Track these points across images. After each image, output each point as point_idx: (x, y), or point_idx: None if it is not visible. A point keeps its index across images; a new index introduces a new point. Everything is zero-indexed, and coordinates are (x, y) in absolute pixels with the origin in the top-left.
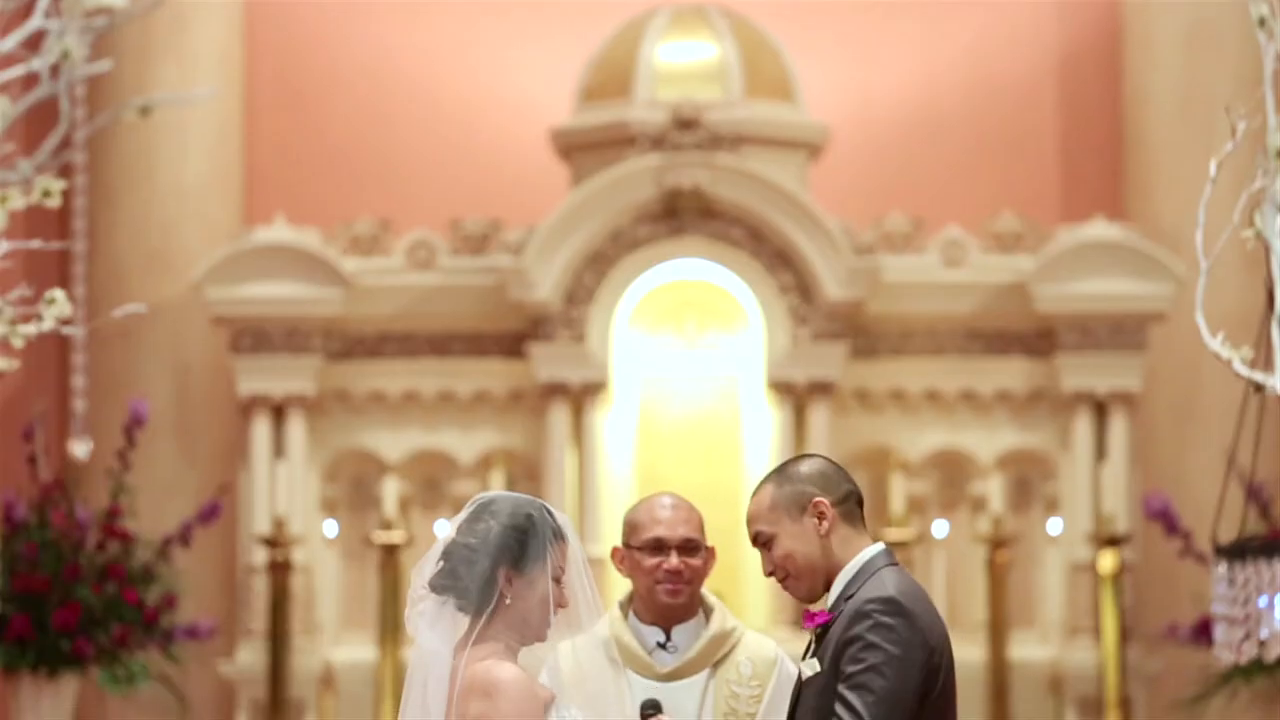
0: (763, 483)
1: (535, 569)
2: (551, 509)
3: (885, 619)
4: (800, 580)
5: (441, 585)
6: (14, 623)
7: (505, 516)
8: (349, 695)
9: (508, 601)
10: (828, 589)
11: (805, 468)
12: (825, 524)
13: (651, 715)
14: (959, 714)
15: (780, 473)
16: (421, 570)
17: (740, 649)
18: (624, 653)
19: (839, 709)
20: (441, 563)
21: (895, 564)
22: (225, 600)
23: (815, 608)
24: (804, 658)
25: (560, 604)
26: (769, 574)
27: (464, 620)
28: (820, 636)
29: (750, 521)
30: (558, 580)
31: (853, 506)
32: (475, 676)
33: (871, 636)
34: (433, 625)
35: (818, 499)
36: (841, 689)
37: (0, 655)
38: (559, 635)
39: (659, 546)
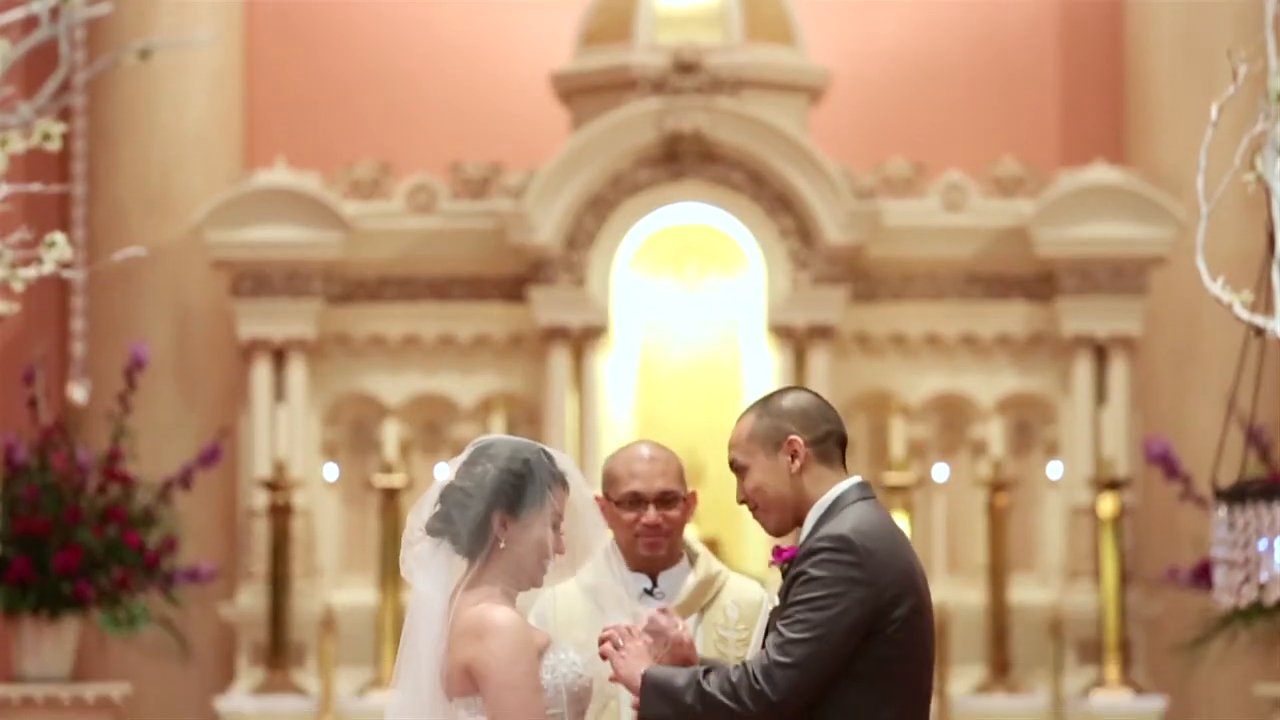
0: (746, 411)
1: (531, 514)
2: (552, 453)
3: (830, 555)
4: (769, 513)
5: (436, 528)
6: (15, 565)
7: (503, 461)
8: (349, 638)
9: (502, 546)
10: (799, 524)
11: (788, 402)
12: (797, 463)
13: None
14: (952, 656)
15: (764, 404)
16: (418, 513)
17: (726, 593)
18: (610, 599)
19: (769, 638)
20: (437, 506)
21: (869, 498)
22: (226, 543)
23: (785, 543)
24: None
25: (557, 550)
26: (741, 502)
27: (460, 564)
28: (786, 572)
29: (729, 448)
30: (555, 526)
31: (831, 446)
32: (469, 620)
33: (814, 571)
34: (427, 568)
35: (792, 437)
36: (777, 621)
37: (1, 597)
38: (561, 577)
39: (636, 500)
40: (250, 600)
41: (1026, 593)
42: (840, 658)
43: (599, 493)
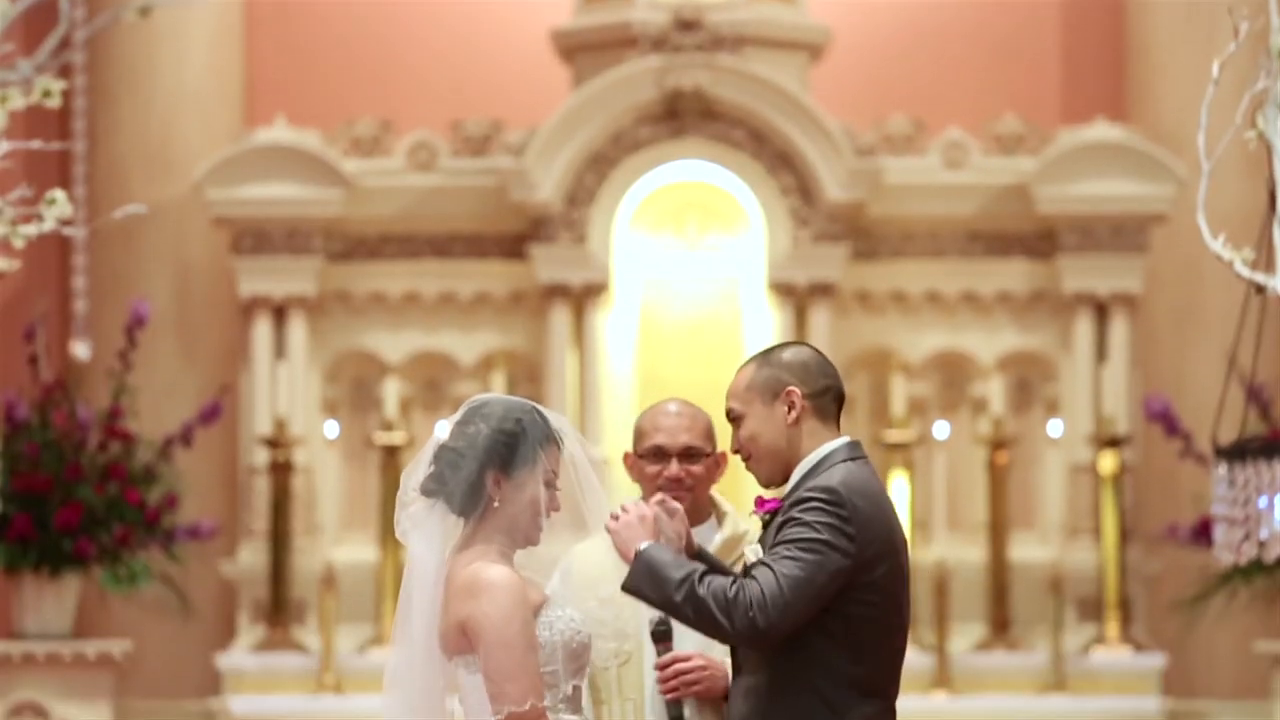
0: (747, 362)
1: (524, 473)
2: (545, 412)
3: (820, 505)
4: (760, 464)
5: (431, 489)
6: (16, 522)
7: (495, 420)
8: (350, 595)
9: (496, 505)
10: (787, 479)
11: (789, 355)
12: (793, 414)
13: (660, 635)
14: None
15: (765, 355)
16: (412, 474)
17: (752, 551)
18: None
19: (754, 571)
20: (431, 466)
21: (860, 458)
22: (226, 500)
23: (769, 494)
24: (750, 545)
25: (552, 508)
26: (734, 451)
27: (455, 523)
28: (767, 524)
29: (727, 397)
30: (549, 485)
31: (828, 402)
32: (465, 578)
33: (804, 517)
34: (421, 529)
35: (791, 388)
36: (768, 557)
37: (2, 555)
38: (565, 539)
39: (659, 454)
40: (251, 557)
41: (1026, 550)
42: (819, 604)
43: (597, 451)
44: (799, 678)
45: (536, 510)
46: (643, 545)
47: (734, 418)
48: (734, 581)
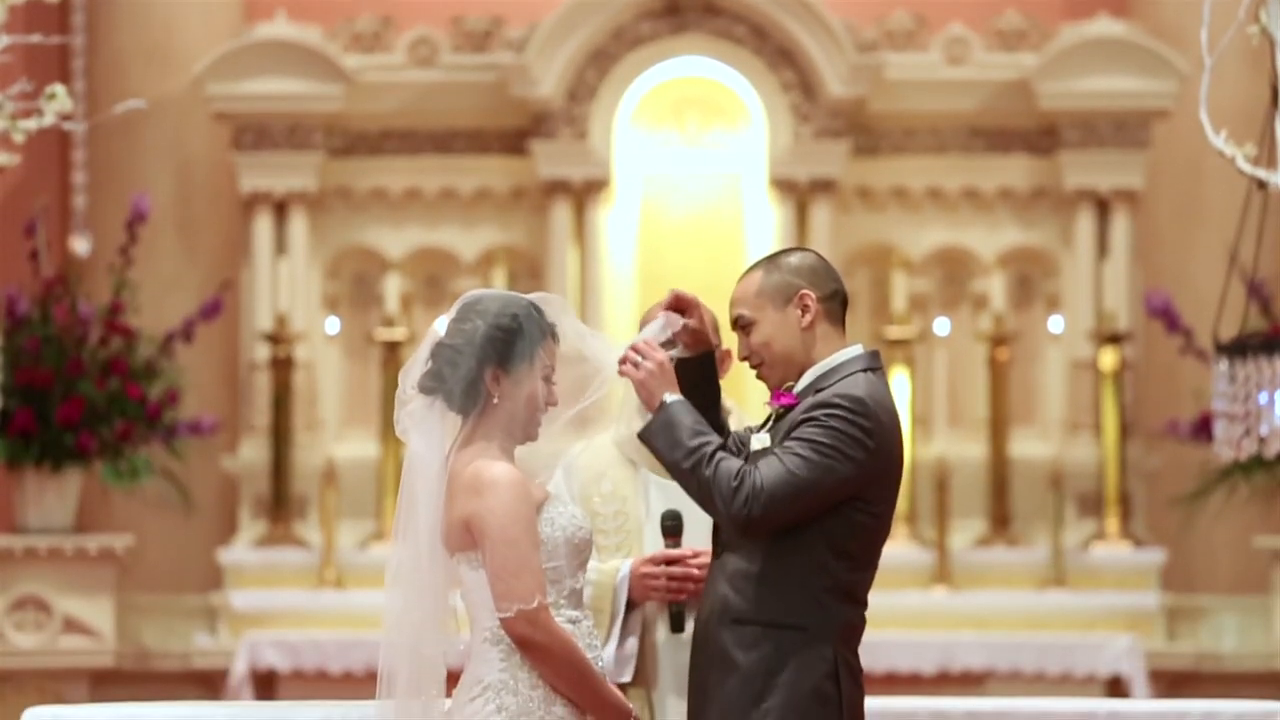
0: (752, 268)
1: (522, 369)
2: (542, 306)
3: (845, 413)
4: (774, 369)
5: (429, 386)
6: (17, 417)
7: (491, 316)
8: (351, 491)
9: (495, 401)
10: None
11: (796, 259)
12: (808, 317)
13: (671, 529)
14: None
15: (771, 261)
16: (409, 372)
17: (758, 440)
18: (641, 452)
19: (761, 460)
20: (429, 364)
21: (877, 369)
22: (228, 396)
23: (785, 388)
24: (757, 431)
25: (550, 403)
26: (744, 359)
27: (454, 420)
28: (779, 417)
29: (734, 304)
30: (547, 379)
31: (836, 306)
32: (467, 476)
33: (826, 420)
34: (420, 426)
35: (804, 291)
36: (774, 449)
37: (4, 449)
38: (567, 435)
39: (667, 347)
40: (252, 453)
41: (1027, 446)
42: (817, 508)
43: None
44: (791, 574)
45: (535, 406)
46: (669, 398)
47: (744, 324)
48: (741, 467)
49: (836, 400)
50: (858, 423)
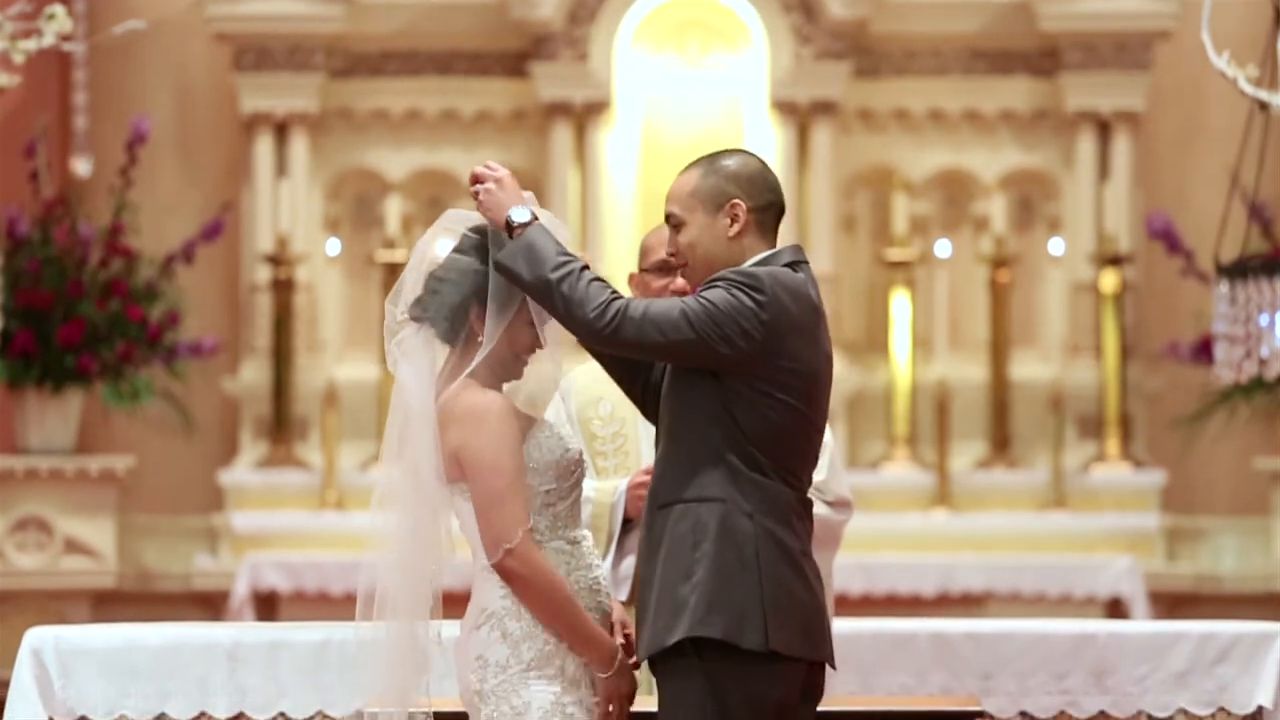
0: (690, 166)
1: (509, 313)
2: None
3: (737, 283)
4: (695, 273)
5: (417, 314)
6: (18, 338)
7: (485, 255)
8: (352, 412)
9: (480, 340)
10: None
11: (735, 164)
12: (736, 227)
13: None
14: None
15: (710, 161)
16: (398, 295)
17: None
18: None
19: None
20: (419, 293)
21: (799, 263)
22: (228, 318)
23: None
24: None
25: (536, 345)
26: (670, 255)
27: (443, 350)
28: None
29: (668, 200)
30: (534, 324)
31: (769, 218)
32: (453, 406)
33: (718, 285)
34: (409, 355)
35: (736, 200)
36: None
37: (4, 370)
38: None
39: (665, 268)
40: (253, 374)
41: (1027, 368)
42: (690, 357)
43: (599, 270)
44: (706, 451)
45: (519, 350)
46: (520, 215)
47: (674, 223)
48: (615, 293)
49: (737, 274)
50: (753, 295)
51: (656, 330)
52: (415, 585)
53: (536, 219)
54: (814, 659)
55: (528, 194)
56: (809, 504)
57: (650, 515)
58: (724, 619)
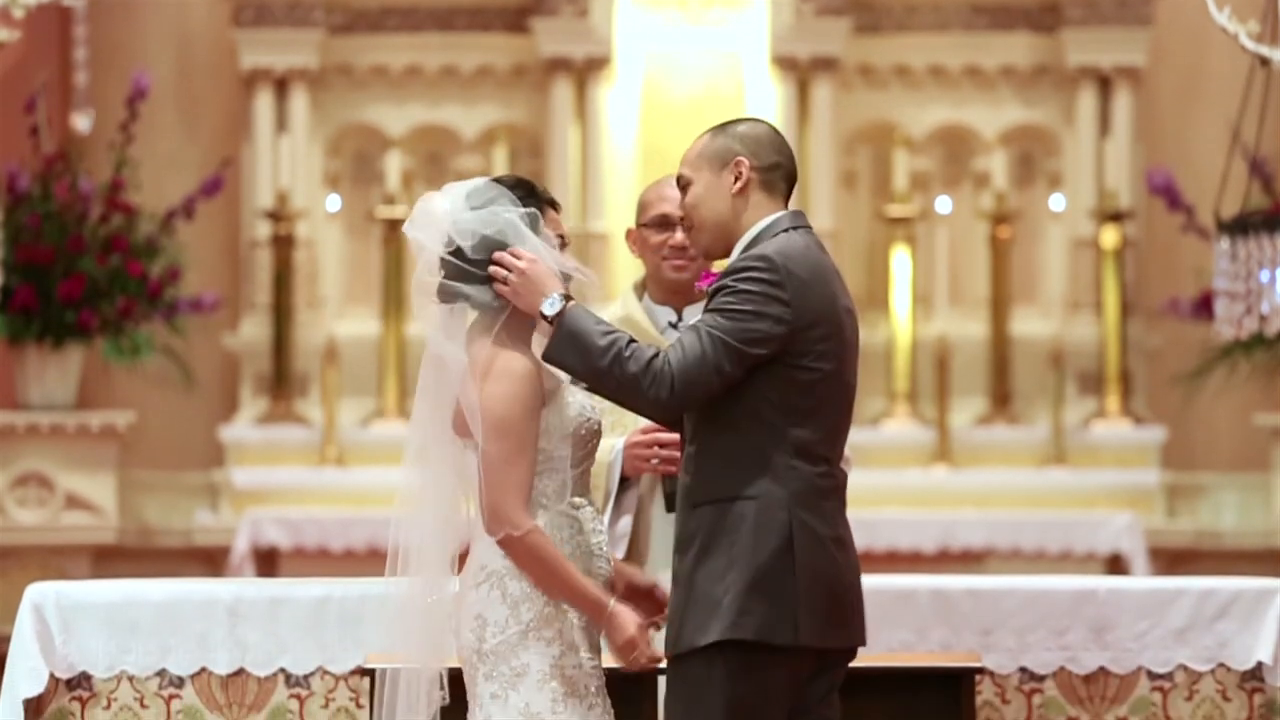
0: (704, 133)
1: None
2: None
3: (752, 272)
4: (701, 232)
5: (448, 297)
6: (18, 293)
7: (479, 237)
8: (352, 368)
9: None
10: (728, 254)
11: (745, 128)
12: (739, 183)
13: None
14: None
15: (721, 126)
16: (419, 284)
17: None
18: (636, 331)
19: (681, 338)
20: (440, 275)
21: (802, 228)
22: (229, 273)
23: (715, 267)
24: None
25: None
26: (680, 220)
27: (471, 314)
28: (712, 296)
29: (680, 165)
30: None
31: (777, 179)
32: (481, 361)
33: (735, 284)
34: (444, 329)
35: (740, 157)
36: (692, 323)
37: (5, 326)
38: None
39: (664, 223)
40: (253, 330)
41: (1028, 325)
42: (741, 370)
43: (599, 224)
44: (736, 445)
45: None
46: (552, 306)
47: (682, 185)
48: (650, 355)
49: (743, 263)
50: (765, 277)
51: (697, 376)
52: (443, 542)
53: (569, 301)
54: (846, 646)
55: (556, 263)
56: (843, 479)
57: (684, 513)
58: (755, 620)
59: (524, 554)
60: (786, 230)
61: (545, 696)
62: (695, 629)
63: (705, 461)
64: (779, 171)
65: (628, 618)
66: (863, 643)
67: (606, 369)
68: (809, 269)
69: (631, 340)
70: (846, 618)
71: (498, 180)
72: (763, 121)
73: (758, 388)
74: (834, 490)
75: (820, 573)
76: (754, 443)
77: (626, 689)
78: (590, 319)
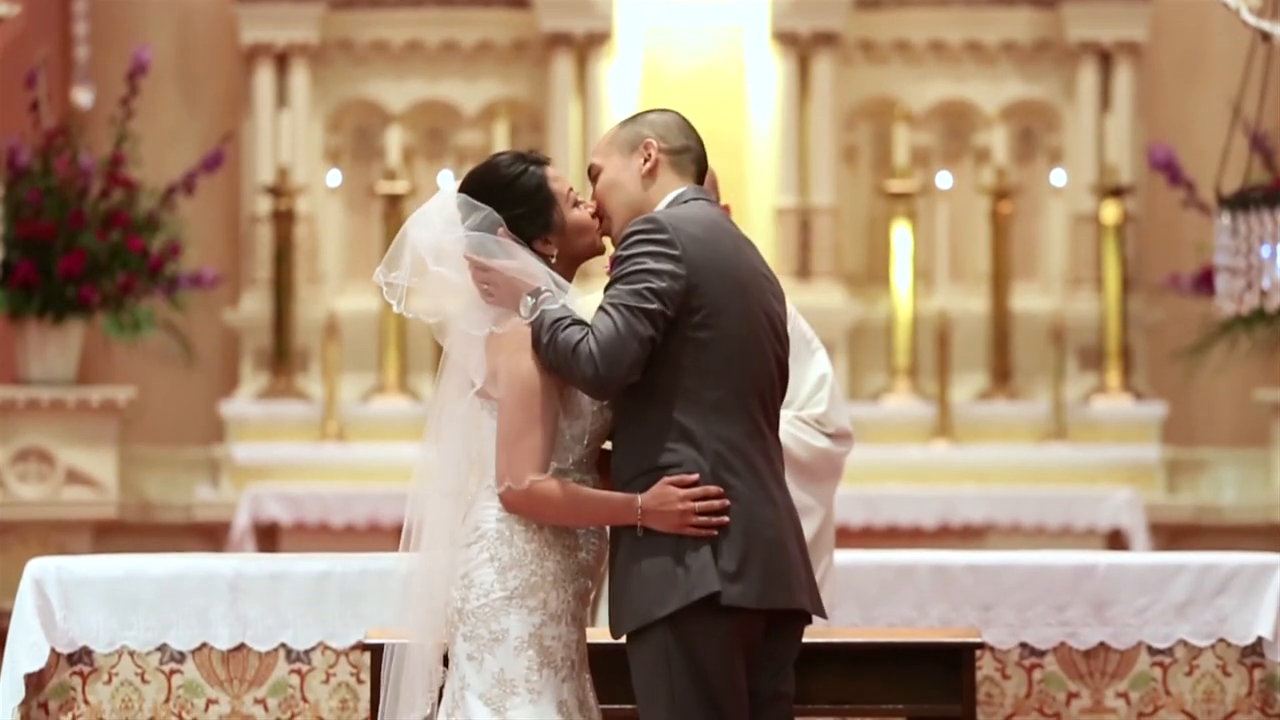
0: (616, 125)
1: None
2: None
3: (640, 235)
4: (613, 218)
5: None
6: (19, 269)
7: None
8: (352, 343)
9: (553, 260)
10: None
11: (655, 115)
12: (648, 165)
13: None
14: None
15: (632, 116)
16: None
17: None
18: None
19: (595, 318)
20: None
21: (699, 199)
22: (229, 249)
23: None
24: None
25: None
26: (593, 215)
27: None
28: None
29: (590, 156)
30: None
31: (686, 162)
32: (507, 332)
33: (626, 251)
34: (464, 316)
35: (649, 140)
36: (601, 302)
37: (5, 301)
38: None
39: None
40: (254, 306)
41: (1028, 300)
42: (658, 323)
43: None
44: (651, 414)
45: (580, 230)
46: (527, 307)
47: (593, 175)
48: (579, 336)
49: (630, 228)
50: (654, 237)
51: (620, 348)
52: (457, 518)
53: (538, 302)
54: (788, 608)
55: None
56: (770, 428)
57: (618, 490)
58: (686, 586)
59: (535, 504)
60: (687, 201)
61: (520, 664)
62: (649, 602)
63: (629, 435)
64: (689, 154)
65: (659, 493)
66: (811, 608)
67: (546, 354)
68: (703, 227)
69: (574, 323)
70: (784, 578)
71: (494, 159)
72: (672, 111)
73: (669, 354)
74: (763, 451)
75: (748, 532)
76: (671, 410)
77: (608, 665)
78: (554, 310)
